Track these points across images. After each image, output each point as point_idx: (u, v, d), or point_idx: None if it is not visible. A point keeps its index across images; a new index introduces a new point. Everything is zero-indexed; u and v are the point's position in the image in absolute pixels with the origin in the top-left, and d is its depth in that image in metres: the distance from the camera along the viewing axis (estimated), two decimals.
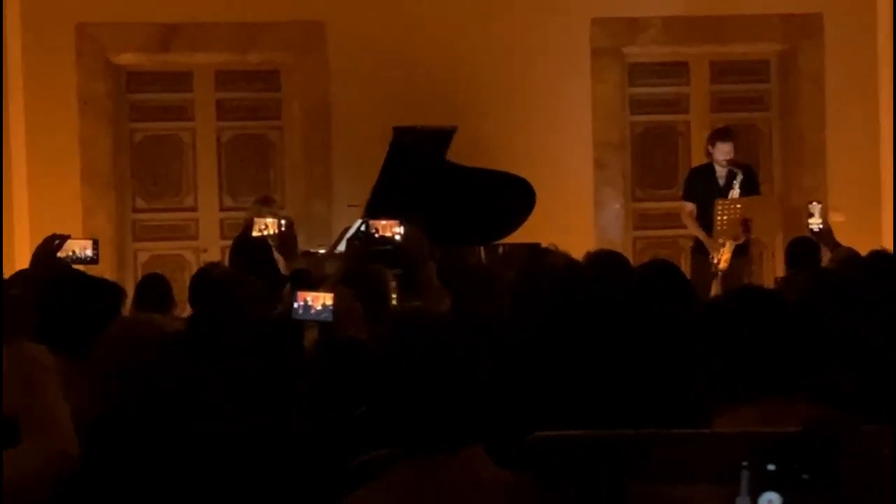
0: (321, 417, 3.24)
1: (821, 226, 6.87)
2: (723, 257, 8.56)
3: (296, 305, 4.05)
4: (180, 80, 10.25)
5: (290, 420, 3.06)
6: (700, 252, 8.86)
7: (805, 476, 1.54)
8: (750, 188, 8.92)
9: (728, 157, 8.94)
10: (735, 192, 8.81)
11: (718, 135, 9.18)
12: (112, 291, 4.07)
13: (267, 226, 6.55)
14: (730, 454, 1.53)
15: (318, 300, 4.03)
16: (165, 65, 10.12)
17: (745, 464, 1.54)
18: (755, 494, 1.54)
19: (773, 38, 10.34)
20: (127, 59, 10.06)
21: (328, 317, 4.02)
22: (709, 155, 9.17)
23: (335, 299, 4.07)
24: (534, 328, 3.42)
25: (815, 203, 7.05)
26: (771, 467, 1.54)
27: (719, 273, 8.54)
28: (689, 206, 9.05)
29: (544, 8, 10.01)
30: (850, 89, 10.19)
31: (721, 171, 8.98)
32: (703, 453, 1.55)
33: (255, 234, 6.56)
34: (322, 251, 8.70)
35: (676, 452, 1.56)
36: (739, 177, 8.82)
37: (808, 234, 7.03)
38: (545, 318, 3.38)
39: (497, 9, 9.98)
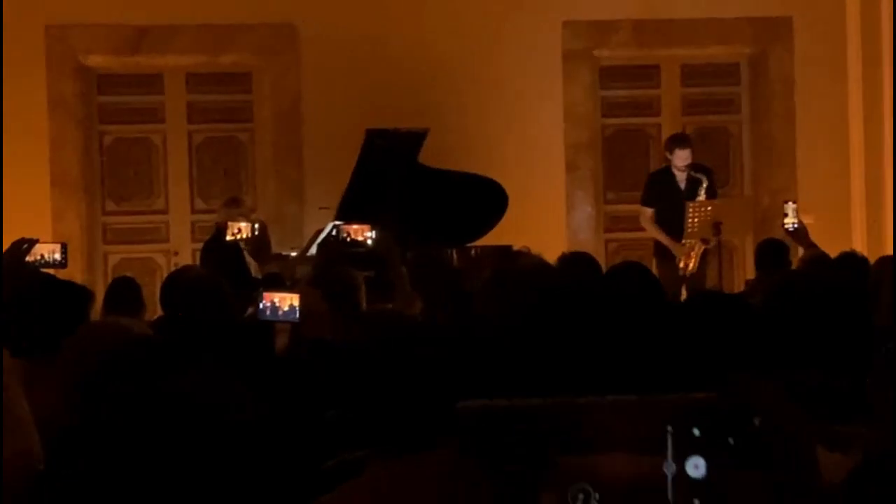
0: (293, 419, 3.23)
1: (795, 225, 6.92)
2: (691, 262, 8.60)
3: (262, 306, 4.04)
4: (151, 82, 10.21)
5: (263, 422, 3.05)
6: (662, 256, 8.89)
7: (730, 440, 1.54)
8: (713, 193, 8.95)
9: (686, 163, 8.97)
10: (701, 198, 8.83)
11: (676, 142, 9.20)
12: (79, 294, 4.05)
13: (240, 230, 6.53)
14: (654, 420, 1.53)
15: (285, 301, 4.02)
16: (136, 67, 10.08)
17: (669, 429, 1.54)
18: (681, 460, 1.54)
19: (744, 41, 10.39)
20: (97, 61, 10.02)
21: (295, 317, 4.02)
22: (666, 160, 9.20)
23: (302, 300, 4.06)
24: (505, 329, 3.42)
25: (789, 203, 7.10)
26: (696, 432, 1.54)
27: (687, 276, 8.58)
28: (649, 211, 9.09)
29: (516, 11, 10.02)
30: (819, 92, 10.24)
31: (680, 176, 9.01)
32: (627, 421, 1.55)
33: (228, 237, 6.53)
34: (294, 254, 8.69)
35: (600, 421, 1.56)
36: (704, 183, 8.85)
37: (784, 233, 7.07)
38: (516, 319, 3.38)
39: (468, 11, 9.99)
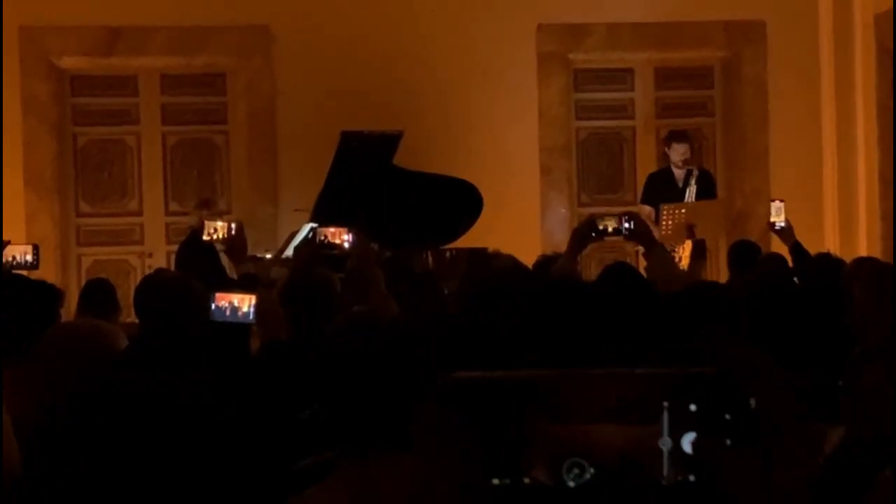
0: (267, 420, 3.23)
1: (782, 224, 7.09)
2: (683, 254, 8.63)
3: (214, 307, 3.94)
4: (124, 83, 10.18)
5: (236, 423, 3.05)
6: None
7: (727, 416, 1.55)
8: (707, 188, 9.03)
9: (684, 158, 9.08)
10: (692, 189, 8.91)
11: (674, 136, 9.35)
12: (49, 294, 4.02)
13: (216, 229, 6.50)
14: (650, 394, 1.53)
15: (241, 302, 3.94)
16: (109, 68, 10.04)
17: (665, 404, 1.54)
18: (677, 435, 1.54)
19: (717, 44, 10.44)
20: (70, 62, 9.98)
21: (250, 319, 3.93)
22: (665, 158, 9.27)
23: (258, 301, 3.99)
24: (480, 329, 3.43)
25: (777, 201, 7.24)
26: (692, 407, 1.54)
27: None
28: (647, 209, 9.10)
29: (490, 14, 10.04)
30: (792, 95, 10.30)
31: (679, 174, 9.09)
32: (623, 393, 1.55)
33: (204, 237, 6.50)
34: (269, 256, 8.67)
35: (594, 393, 1.56)
36: (695, 173, 8.95)
37: (771, 232, 7.24)
38: (491, 320, 3.39)
39: (443, 14, 10.00)
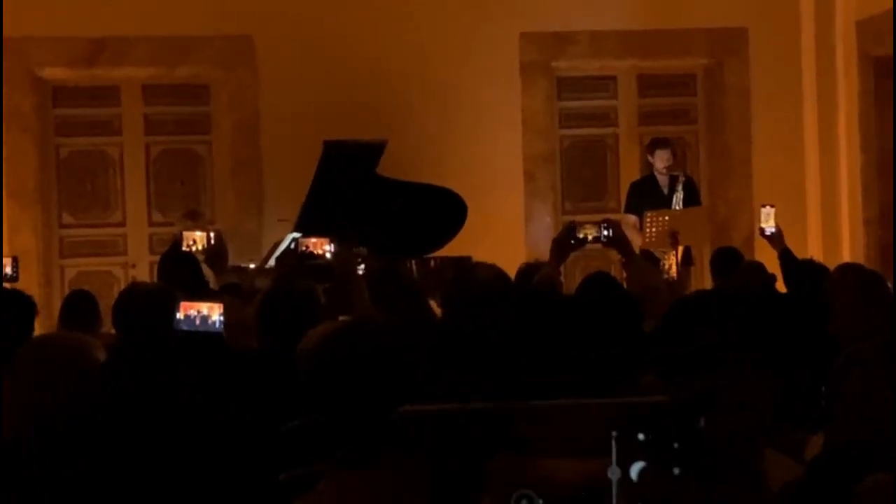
0: (251, 431, 3.22)
1: (773, 229, 7.13)
2: (671, 262, 8.64)
3: (179, 317, 3.88)
4: (107, 94, 10.15)
5: (221, 434, 3.04)
6: (649, 261, 8.87)
7: (675, 444, 1.54)
8: (692, 195, 9.05)
9: (667, 164, 9.09)
10: (679, 195, 8.93)
11: (657, 143, 9.38)
12: (26, 305, 3.99)
13: (195, 240, 6.48)
14: (599, 424, 1.53)
15: (207, 311, 3.87)
16: (92, 79, 10.02)
17: (614, 434, 1.54)
18: (626, 464, 1.54)
19: (700, 52, 10.46)
20: (52, 73, 9.95)
21: (216, 328, 3.86)
22: (649, 165, 9.29)
23: (224, 310, 3.93)
24: (463, 338, 3.42)
25: (767, 207, 7.27)
26: (641, 437, 1.54)
27: (670, 280, 8.61)
28: (632, 219, 9.08)
29: (473, 23, 10.04)
30: (775, 102, 10.33)
31: (663, 181, 9.10)
32: (572, 424, 1.55)
33: (183, 248, 6.49)
34: (252, 266, 8.65)
35: (544, 424, 1.56)
36: (682, 179, 8.96)
37: (759, 238, 7.29)
38: (474, 329, 3.39)
39: (426, 23, 10.00)
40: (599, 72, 10.57)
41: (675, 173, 9.09)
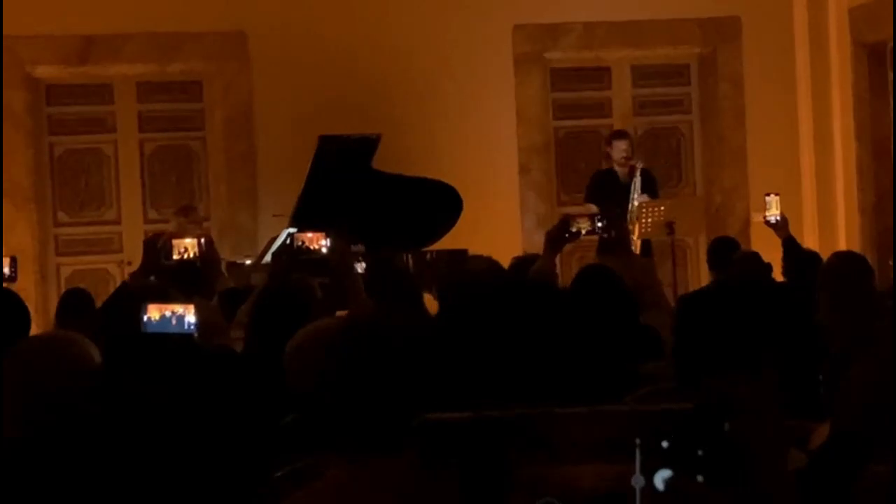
0: (246, 427, 3.22)
1: (777, 217, 7.14)
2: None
3: (146, 318, 3.74)
4: (100, 91, 10.14)
5: (217, 431, 3.04)
6: (606, 252, 8.79)
7: (699, 451, 1.53)
8: (649, 184, 8.98)
9: (625, 155, 9.02)
10: (637, 181, 8.86)
11: (614, 134, 9.35)
12: (20, 306, 3.97)
13: (186, 248, 6.43)
14: (623, 432, 1.52)
15: (179, 311, 3.80)
16: (85, 77, 10.00)
17: (638, 441, 1.52)
18: (649, 472, 1.53)
19: (693, 41, 10.46)
20: (45, 71, 9.94)
21: (188, 329, 3.78)
22: (608, 158, 9.24)
23: (197, 311, 3.87)
24: (460, 330, 3.42)
25: (771, 195, 7.28)
26: (665, 444, 1.52)
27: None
28: (593, 209, 9.08)
29: (466, 15, 10.03)
30: (768, 91, 10.32)
31: (622, 172, 9.06)
32: (596, 431, 1.54)
33: (175, 257, 6.42)
34: (248, 262, 8.65)
35: (568, 431, 1.55)
36: (639, 167, 8.91)
37: (766, 225, 7.29)
38: (472, 320, 3.39)
39: (419, 16, 9.99)
40: (593, 62, 10.56)
41: (633, 163, 9.01)
